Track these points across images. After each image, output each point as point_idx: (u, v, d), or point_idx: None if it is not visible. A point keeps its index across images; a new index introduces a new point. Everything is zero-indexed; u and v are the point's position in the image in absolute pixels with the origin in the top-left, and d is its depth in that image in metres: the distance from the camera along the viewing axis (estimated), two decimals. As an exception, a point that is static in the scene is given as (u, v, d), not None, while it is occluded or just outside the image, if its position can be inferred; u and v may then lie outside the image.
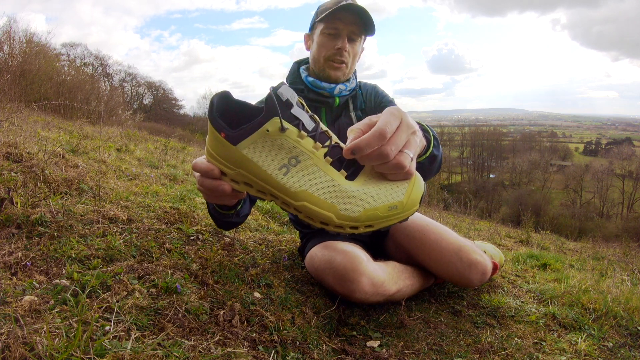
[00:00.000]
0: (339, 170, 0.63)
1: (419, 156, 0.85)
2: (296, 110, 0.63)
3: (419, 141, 0.66)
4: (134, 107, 21.82)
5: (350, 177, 0.64)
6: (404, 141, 0.61)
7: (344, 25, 1.21)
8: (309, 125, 0.64)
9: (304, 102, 0.66)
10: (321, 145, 0.63)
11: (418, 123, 0.78)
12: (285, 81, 1.36)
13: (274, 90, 0.62)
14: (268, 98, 0.61)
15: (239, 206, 0.99)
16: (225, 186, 0.67)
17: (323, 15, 1.20)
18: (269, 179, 0.63)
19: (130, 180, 1.96)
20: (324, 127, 0.66)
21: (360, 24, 1.22)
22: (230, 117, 0.66)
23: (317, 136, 0.64)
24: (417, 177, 0.63)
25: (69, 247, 0.96)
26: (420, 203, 0.62)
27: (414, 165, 0.63)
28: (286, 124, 0.61)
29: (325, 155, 0.63)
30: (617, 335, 1.06)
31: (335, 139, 0.66)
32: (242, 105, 0.67)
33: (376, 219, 0.61)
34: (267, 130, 0.61)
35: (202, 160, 0.70)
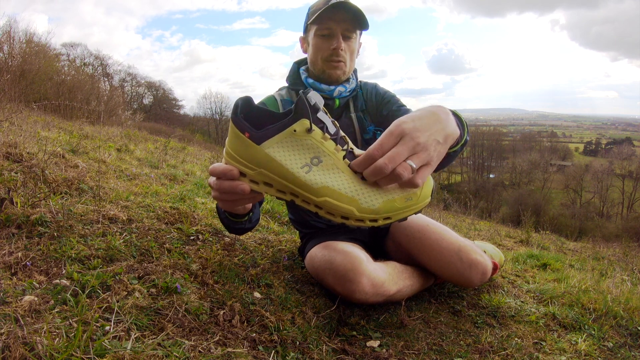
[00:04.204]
0: (355, 172, 0.68)
1: (456, 144, 0.83)
2: (321, 115, 0.68)
3: (432, 148, 0.66)
4: (134, 107, 21.82)
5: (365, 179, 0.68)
6: (403, 155, 0.63)
7: (336, 24, 1.20)
8: (332, 129, 0.69)
9: (326, 110, 0.71)
10: (341, 148, 0.69)
11: (451, 111, 0.78)
12: (286, 81, 1.37)
13: (304, 94, 0.66)
14: (299, 101, 0.66)
15: (251, 213, 1.00)
16: (244, 186, 0.69)
17: (314, 16, 1.19)
18: (292, 177, 0.66)
19: (130, 180, 1.96)
20: (342, 132, 0.71)
21: (353, 20, 1.21)
22: (252, 120, 0.69)
23: (338, 140, 0.69)
24: None
25: (69, 247, 0.96)
26: (431, 195, 0.69)
27: (422, 175, 0.66)
28: (313, 126, 0.66)
29: (344, 158, 0.68)
30: (617, 335, 1.06)
31: (351, 144, 0.71)
32: (262, 111, 0.72)
33: (394, 210, 0.67)
34: (295, 131, 0.66)
35: (219, 164, 0.71)
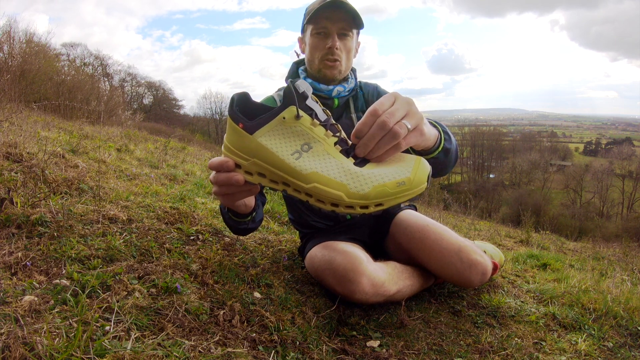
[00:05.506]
0: (347, 157, 0.68)
1: (432, 151, 0.89)
2: (310, 102, 0.69)
3: (420, 117, 0.72)
4: (134, 107, 21.82)
5: (359, 164, 0.68)
6: (401, 113, 0.68)
7: (332, 24, 1.21)
8: (322, 116, 0.69)
9: (317, 99, 0.71)
10: (332, 134, 0.69)
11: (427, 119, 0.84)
12: (285, 82, 1.37)
13: (292, 82, 0.67)
14: (286, 89, 0.67)
15: (254, 213, 1.03)
16: (238, 177, 0.71)
17: (310, 16, 1.20)
18: (282, 164, 0.67)
19: (130, 180, 1.96)
20: (334, 121, 0.71)
21: (348, 19, 1.22)
22: (248, 114, 0.71)
23: (328, 126, 0.69)
24: (422, 158, 0.68)
25: (69, 247, 0.96)
26: (427, 181, 0.67)
27: (413, 136, 0.70)
28: (301, 112, 0.67)
29: (335, 144, 0.69)
30: (617, 335, 1.06)
31: (343, 133, 0.71)
32: (259, 106, 0.73)
33: (386, 195, 0.64)
34: (284, 118, 0.67)
35: (217, 157, 0.74)
